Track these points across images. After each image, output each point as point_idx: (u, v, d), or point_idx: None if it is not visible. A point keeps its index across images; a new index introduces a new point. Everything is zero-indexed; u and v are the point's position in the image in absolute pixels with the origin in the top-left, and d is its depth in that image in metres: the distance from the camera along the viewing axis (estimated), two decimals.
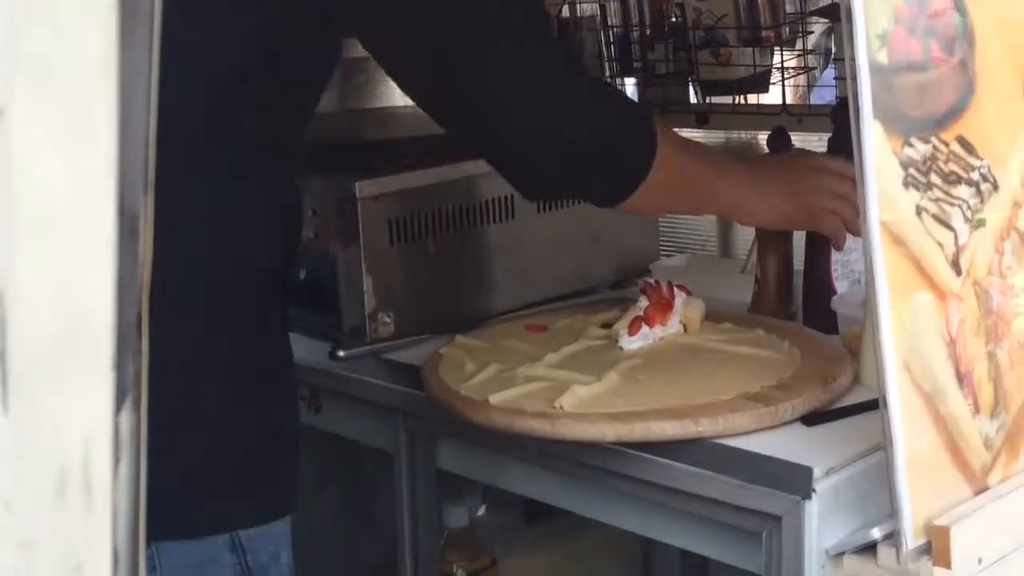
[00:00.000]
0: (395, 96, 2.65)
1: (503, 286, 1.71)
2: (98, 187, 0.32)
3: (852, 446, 1.17)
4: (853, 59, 0.98)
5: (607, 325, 1.51)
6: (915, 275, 1.03)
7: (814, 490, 1.12)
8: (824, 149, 1.89)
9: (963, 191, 1.07)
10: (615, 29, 1.97)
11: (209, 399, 1.08)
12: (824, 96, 2.03)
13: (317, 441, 1.83)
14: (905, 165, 1.02)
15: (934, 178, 1.04)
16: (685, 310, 1.48)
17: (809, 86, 1.94)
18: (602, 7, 1.94)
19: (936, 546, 1.01)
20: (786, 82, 1.84)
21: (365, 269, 1.55)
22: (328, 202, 1.57)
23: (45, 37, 0.30)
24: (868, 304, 1.02)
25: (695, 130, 1.99)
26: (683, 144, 1.30)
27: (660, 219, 1.98)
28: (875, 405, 1.04)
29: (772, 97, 1.92)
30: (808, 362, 1.35)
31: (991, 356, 1.09)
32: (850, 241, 1.40)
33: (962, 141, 1.06)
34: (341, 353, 1.53)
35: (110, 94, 0.30)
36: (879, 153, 1.00)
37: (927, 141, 1.04)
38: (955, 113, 1.06)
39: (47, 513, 0.33)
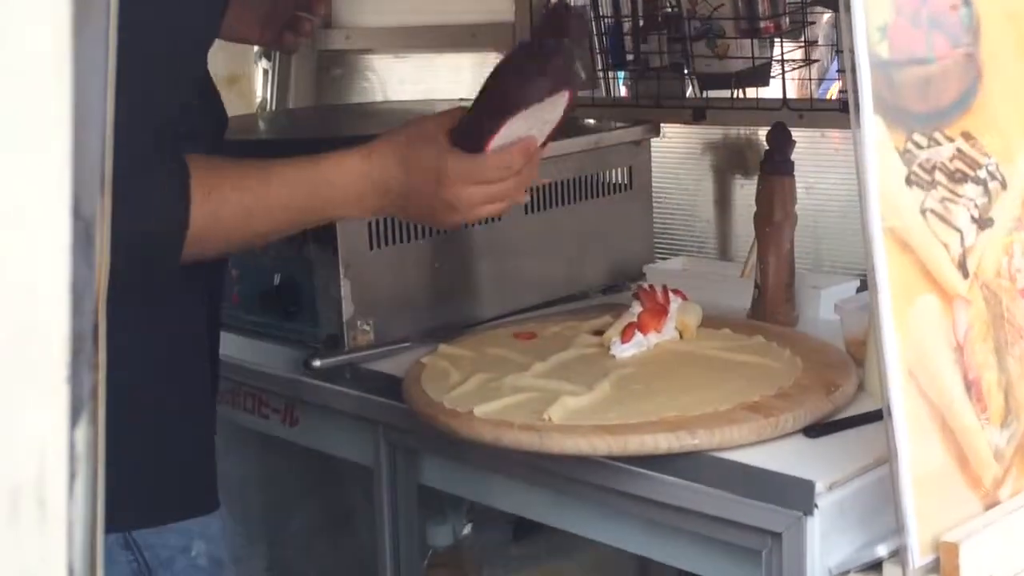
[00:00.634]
0: (375, 91, 2.67)
1: (489, 291, 1.72)
2: (50, 190, 0.32)
3: (856, 459, 1.18)
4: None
5: (599, 332, 1.51)
6: (920, 278, 1.04)
7: (816, 505, 1.13)
8: (828, 146, 1.90)
9: (970, 189, 1.07)
10: (606, 19, 1.97)
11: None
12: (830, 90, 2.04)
13: (293, 456, 1.85)
14: (908, 163, 1.03)
15: (939, 176, 1.05)
16: (681, 316, 1.49)
17: (812, 79, 1.94)
18: None
19: (945, 564, 1.02)
20: (787, 75, 1.84)
21: (343, 273, 1.55)
22: None
23: None
24: (872, 309, 1.02)
25: (691, 126, 2.00)
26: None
27: (655, 220, 1.99)
28: (880, 415, 1.04)
29: (773, 91, 1.92)
30: (810, 370, 1.35)
31: (1001, 363, 1.10)
32: None
33: (968, 137, 1.07)
34: (317, 363, 1.53)
35: (63, 90, 0.30)
36: (880, 151, 1.00)
37: (931, 137, 1.05)
38: (961, 108, 1.07)
39: None
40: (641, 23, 1.95)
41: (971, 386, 1.07)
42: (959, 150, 1.08)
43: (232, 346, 1.68)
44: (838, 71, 1.85)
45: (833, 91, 1.97)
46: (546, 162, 1.76)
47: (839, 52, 1.76)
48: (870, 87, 1.00)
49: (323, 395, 1.60)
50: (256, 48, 2.53)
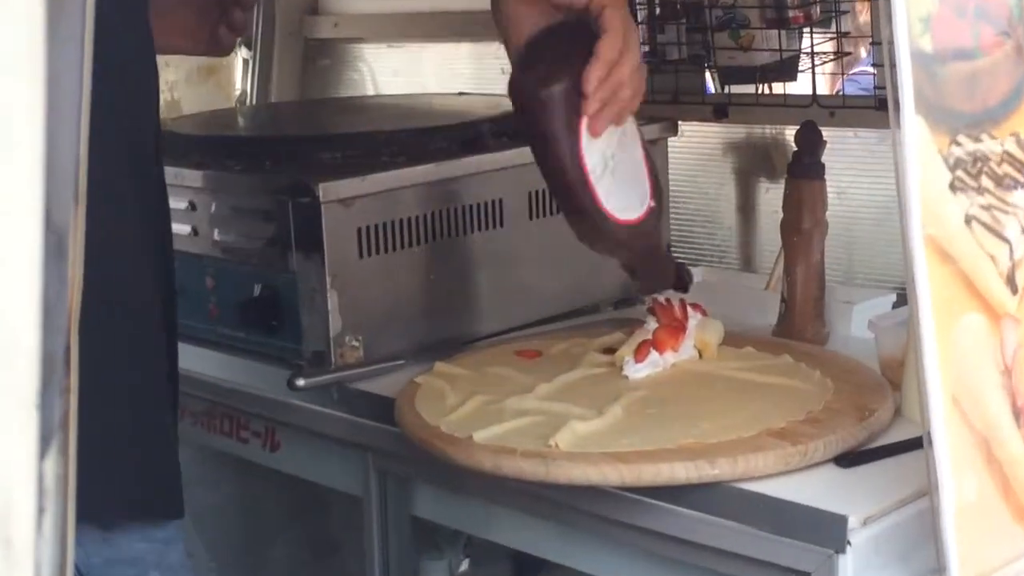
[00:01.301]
0: (366, 83, 2.67)
1: (490, 304, 1.72)
2: (20, 199, 0.32)
3: (893, 491, 1.18)
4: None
5: (610, 350, 1.51)
6: (965, 294, 1.04)
7: (849, 542, 1.13)
8: (862, 146, 1.91)
9: (1019, 197, 1.08)
10: None
11: None
12: (860, 86, 2.05)
13: (274, 484, 1.85)
14: (952, 167, 1.03)
15: (986, 182, 1.05)
16: (700, 333, 1.49)
17: (844, 74, 1.95)
18: None
19: None
20: (817, 69, 1.85)
21: (329, 284, 1.55)
22: (286, 205, 1.57)
23: None
24: (911, 327, 1.02)
25: (712, 124, 2.01)
26: None
27: (672, 227, 1.99)
28: (919, 444, 1.04)
29: (801, 86, 1.92)
30: (842, 393, 1.35)
31: None
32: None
33: (1019, 139, 1.07)
34: (301, 382, 1.53)
35: (35, 93, 0.30)
36: (922, 154, 1.00)
37: (978, 139, 1.05)
38: (1010, 107, 1.07)
39: None
40: (658, 11, 1.95)
41: (1019, 413, 1.07)
42: (1008, 153, 1.08)
43: (208, 363, 1.68)
44: (872, 65, 1.86)
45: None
46: None
47: (874, 44, 1.77)
48: (911, 84, 1.00)
49: (307, 417, 1.60)
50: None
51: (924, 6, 1.01)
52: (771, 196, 1.99)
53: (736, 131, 2.04)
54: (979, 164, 1.05)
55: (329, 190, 1.54)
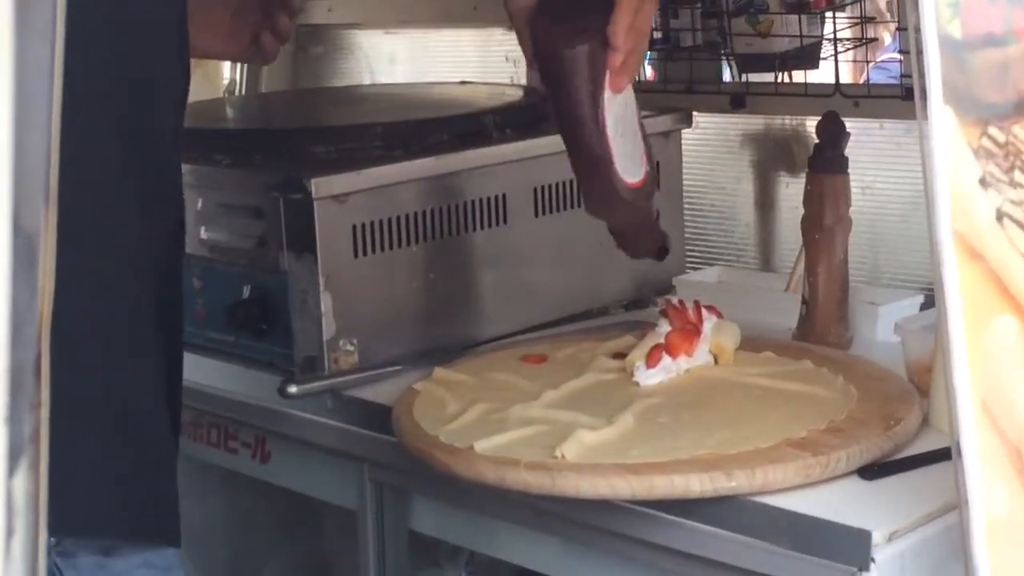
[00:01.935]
0: (362, 72, 2.67)
1: (493, 307, 1.72)
2: None
3: (920, 505, 1.18)
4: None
5: (620, 355, 1.51)
6: (996, 295, 1.04)
7: (873, 559, 1.13)
8: (888, 138, 1.90)
9: None
10: None
11: None
12: (890, 74, 2.05)
13: (264, 497, 1.85)
14: (984, 161, 1.03)
15: (1019, 176, 1.05)
16: (716, 337, 1.49)
17: (869, 61, 1.95)
18: None
19: None
20: (840, 56, 1.85)
21: (323, 285, 1.55)
22: (277, 202, 1.57)
23: None
24: (939, 331, 1.02)
25: (729, 115, 2.00)
26: None
27: (686, 224, 1.99)
28: (947, 454, 1.04)
29: (823, 75, 1.92)
30: (866, 401, 1.35)
31: None
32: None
33: None
34: (293, 389, 1.53)
35: (2, 87, 0.30)
36: (951, 146, 1.00)
37: (1010, 131, 1.04)
38: None
39: None
40: None
41: None
42: None
43: (195, 369, 1.68)
44: (899, 52, 1.86)
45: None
46: (559, 156, 1.77)
47: (900, 30, 1.77)
48: (939, 73, 1.00)
49: (299, 427, 1.60)
50: None
51: None
52: (791, 191, 1.99)
53: (754, 122, 2.04)
54: (1012, 158, 1.05)
55: (322, 185, 1.54)
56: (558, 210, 1.78)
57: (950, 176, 1.00)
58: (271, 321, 1.62)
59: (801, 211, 1.64)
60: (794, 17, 1.84)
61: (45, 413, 0.35)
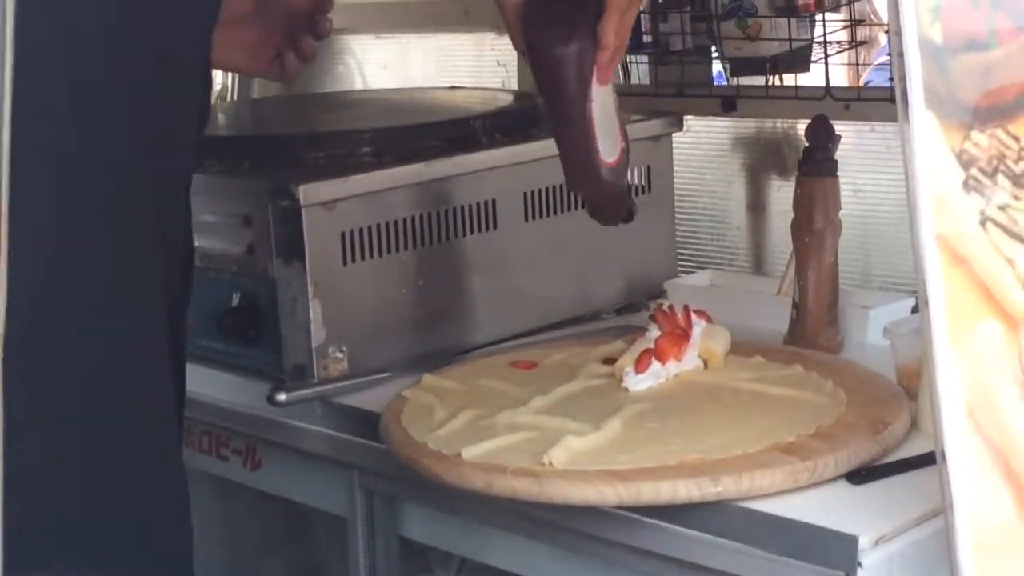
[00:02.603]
0: (353, 77, 2.68)
1: (483, 312, 1.72)
2: None
3: (908, 509, 1.18)
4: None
5: (610, 360, 1.51)
6: (980, 300, 1.04)
7: (860, 564, 1.13)
8: (879, 141, 1.91)
9: None
10: None
11: None
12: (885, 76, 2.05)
13: (255, 504, 1.85)
14: (966, 165, 1.03)
15: (1002, 180, 1.05)
16: (705, 342, 1.49)
17: (860, 64, 1.95)
18: None
19: None
20: (830, 59, 1.85)
21: (312, 293, 1.56)
22: (265, 209, 1.58)
23: None
24: (923, 336, 1.02)
25: (720, 118, 2.00)
26: None
27: (678, 227, 1.99)
28: (935, 458, 1.04)
29: (814, 78, 1.93)
30: (855, 405, 1.35)
31: None
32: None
33: None
34: (282, 397, 1.53)
35: None
36: (932, 151, 1.00)
37: (993, 135, 1.04)
38: None
39: None
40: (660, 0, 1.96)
41: None
42: None
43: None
44: (888, 55, 1.86)
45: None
46: (549, 161, 1.77)
47: (888, 34, 1.77)
48: (920, 77, 1.00)
49: (289, 434, 1.60)
50: None
51: None
52: (783, 194, 1.99)
53: (745, 125, 2.04)
54: (995, 161, 1.05)
55: (310, 192, 1.55)
56: (549, 215, 1.78)
57: (933, 180, 1.01)
58: (260, 328, 1.63)
59: (792, 214, 1.64)
60: (783, 20, 1.84)
61: None
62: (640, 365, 1.44)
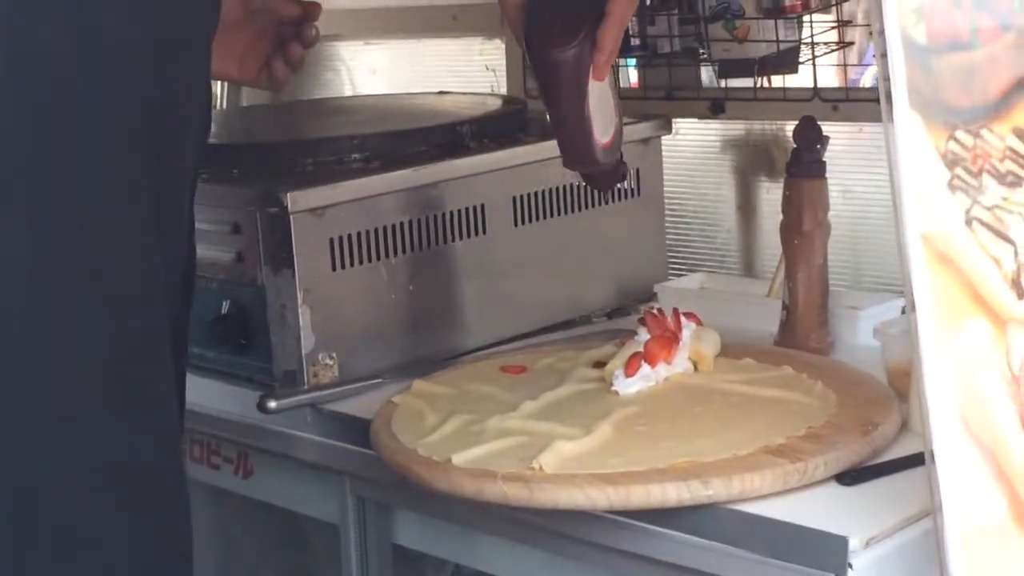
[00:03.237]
0: (342, 83, 2.68)
1: (473, 317, 1.72)
2: None
3: (898, 510, 1.18)
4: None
5: (600, 364, 1.51)
6: (967, 299, 1.04)
7: (850, 565, 1.13)
8: (868, 142, 1.91)
9: None
10: None
11: None
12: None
13: (247, 512, 1.85)
14: (951, 165, 1.03)
15: (987, 180, 1.05)
16: (695, 344, 1.49)
17: (848, 65, 1.95)
18: None
19: None
20: (818, 60, 1.85)
21: (301, 299, 1.55)
22: (253, 216, 1.58)
23: None
24: (911, 337, 1.02)
25: (708, 121, 2.00)
26: None
27: (668, 230, 1.99)
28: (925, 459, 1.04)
29: (802, 79, 1.93)
30: (845, 406, 1.35)
31: None
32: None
33: (1021, 134, 1.07)
34: (272, 404, 1.53)
35: None
36: (918, 151, 1.00)
37: (977, 135, 1.05)
38: (1012, 100, 1.07)
39: None
40: (648, 2, 1.96)
41: None
42: (1011, 149, 1.08)
43: None
44: (874, 55, 1.86)
45: (867, 79, 1.98)
46: (538, 165, 1.77)
47: (872, 35, 1.77)
48: (904, 78, 1.00)
49: (280, 442, 1.60)
50: None
51: None
52: (772, 196, 1.99)
53: (734, 127, 2.04)
54: (980, 161, 1.05)
55: (298, 199, 1.55)
56: (538, 219, 1.78)
57: (918, 180, 1.01)
58: (250, 336, 1.62)
59: (781, 216, 1.64)
60: (771, 22, 1.84)
61: None
62: (630, 369, 1.44)
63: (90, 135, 1.04)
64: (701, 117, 2.00)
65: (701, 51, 1.98)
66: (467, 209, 1.70)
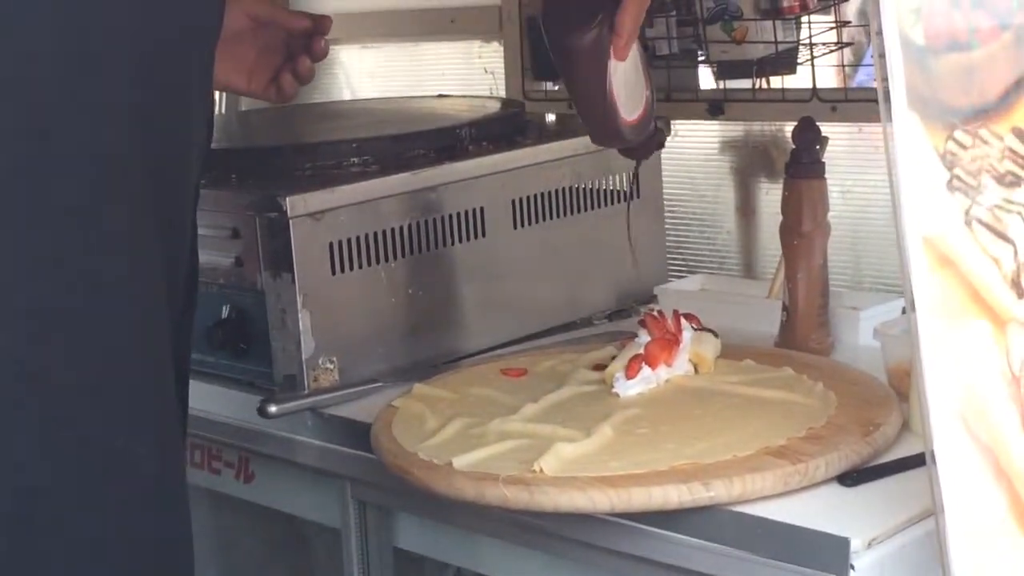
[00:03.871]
0: (341, 88, 2.68)
1: (473, 320, 1.72)
2: None
3: (900, 511, 1.18)
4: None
5: (600, 367, 1.51)
6: (967, 299, 1.04)
7: (852, 566, 1.12)
8: (867, 142, 1.91)
9: (1023, 195, 1.07)
10: None
11: None
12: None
13: (249, 517, 1.85)
14: (950, 165, 1.03)
15: (986, 180, 1.05)
16: (695, 346, 1.49)
17: (846, 65, 1.95)
18: None
19: None
20: (817, 61, 1.85)
21: (301, 304, 1.55)
22: (252, 221, 1.58)
23: None
24: (912, 337, 1.02)
25: (707, 122, 2.00)
26: None
27: (667, 232, 1.99)
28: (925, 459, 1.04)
29: (801, 80, 1.93)
30: (846, 407, 1.35)
31: None
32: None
33: (1020, 134, 1.07)
34: (273, 409, 1.53)
35: None
36: (917, 151, 1.00)
37: (976, 135, 1.05)
38: (1011, 100, 1.07)
39: None
40: None
41: None
42: (1010, 149, 1.08)
43: None
44: (873, 56, 1.86)
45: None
46: (537, 167, 1.77)
47: (870, 35, 1.77)
48: (902, 78, 1.00)
49: (281, 446, 1.60)
50: None
51: None
52: (772, 197, 1.99)
53: (733, 129, 2.04)
54: (979, 161, 1.05)
55: (297, 204, 1.55)
56: (537, 221, 1.78)
57: (917, 181, 1.01)
58: (250, 341, 1.62)
59: (781, 217, 1.64)
60: (769, 23, 1.84)
61: None
62: (630, 370, 1.44)
63: (89, 142, 1.04)
64: (700, 118, 2.00)
65: (699, 52, 1.98)
66: (466, 212, 1.70)
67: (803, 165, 1.61)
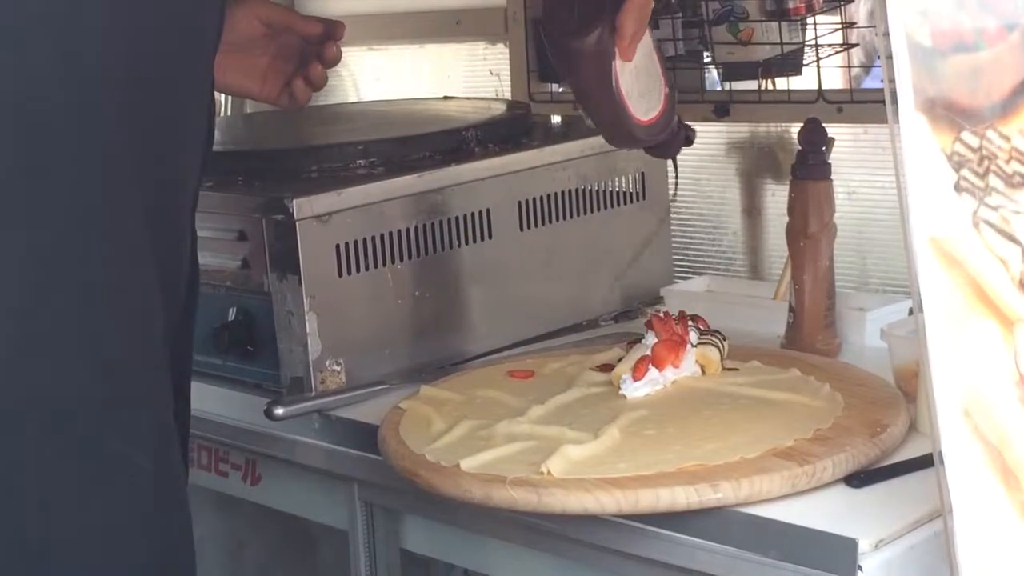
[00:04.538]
0: (347, 90, 2.68)
1: (480, 322, 1.72)
2: None
3: (907, 512, 1.18)
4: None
5: (607, 368, 1.51)
6: (974, 300, 1.04)
7: (860, 567, 1.12)
8: (873, 143, 1.91)
9: None
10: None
11: None
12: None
13: (256, 519, 1.85)
14: (957, 166, 1.03)
15: (994, 181, 1.05)
16: (702, 348, 1.49)
17: (852, 66, 1.95)
18: None
19: None
20: (823, 62, 1.85)
21: (308, 306, 1.56)
22: (259, 223, 1.58)
23: None
24: (920, 337, 1.02)
25: (713, 124, 2.00)
26: None
27: (674, 234, 1.99)
28: (933, 460, 1.04)
29: (807, 81, 1.93)
30: (853, 408, 1.35)
31: None
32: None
33: None
34: (280, 411, 1.53)
35: None
36: (924, 153, 1.00)
37: (984, 136, 1.05)
38: (1017, 101, 1.07)
39: None
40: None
41: None
42: (1017, 150, 1.08)
43: None
44: (879, 57, 1.86)
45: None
46: (543, 169, 1.77)
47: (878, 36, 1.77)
48: (910, 80, 1.00)
49: (288, 448, 1.60)
50: None
51: None
52: (778, 198, 1.99)
53: (739, 130, 2.04)
54: (986, 162, 1.05)
55: (304, 206, 1.55)
56: (543, 223, 1.78)
57: (924, 182, 1.01)
58: (257, 343, 1.63)
59: (787, 218, 1.64)
60: (774, 24, 1.84)
61: None
62: (637, 372, 1.44)
63: (86, 147, 1.04)
64: (706, 120, 2.00)
65: (705, 54, 1.98)
66: (472, 214, 1.70)
67: (809, 166, 1.61)
